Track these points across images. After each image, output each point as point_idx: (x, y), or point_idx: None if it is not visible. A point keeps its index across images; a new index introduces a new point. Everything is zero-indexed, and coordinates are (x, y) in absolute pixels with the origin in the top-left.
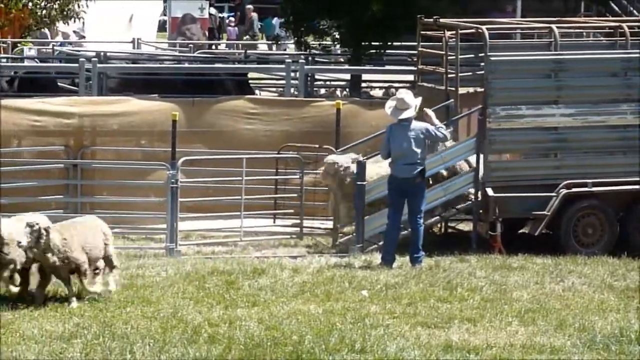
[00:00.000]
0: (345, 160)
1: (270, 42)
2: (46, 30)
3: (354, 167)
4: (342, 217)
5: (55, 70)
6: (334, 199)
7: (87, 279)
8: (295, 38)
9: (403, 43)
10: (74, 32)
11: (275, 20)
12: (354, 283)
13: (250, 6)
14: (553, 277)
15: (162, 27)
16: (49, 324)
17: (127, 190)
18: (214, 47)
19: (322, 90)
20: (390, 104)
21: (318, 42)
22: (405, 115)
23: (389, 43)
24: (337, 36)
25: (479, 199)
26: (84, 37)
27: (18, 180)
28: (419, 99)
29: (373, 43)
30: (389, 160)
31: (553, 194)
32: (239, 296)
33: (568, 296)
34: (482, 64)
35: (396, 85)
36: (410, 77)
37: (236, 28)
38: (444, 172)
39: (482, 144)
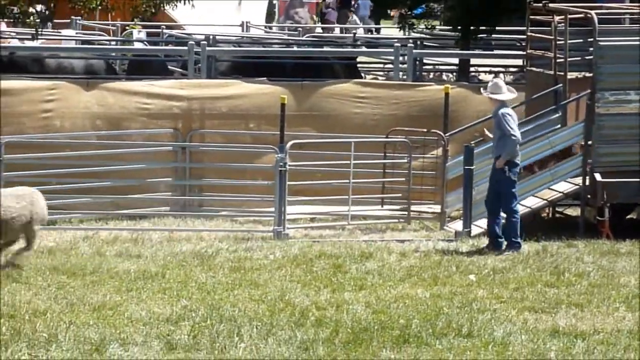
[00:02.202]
0: None
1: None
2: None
3: None
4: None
5: (164, 54)
6: None
7: None
8: (401, 21)
9: (512, 28)
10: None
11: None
12: (461, 267)
13: None
14: None
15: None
16: (157, 306)
17: (235, 173)
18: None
19: (431, 75)
20: (495, 89)
21: (424, 26)
22: (513, 95)
23: (497, 27)
24: (446, 19)
25: (587, 184)
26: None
27: (126, 163)
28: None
29: (482, 27)
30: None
31: None
32: (346, 280)
33: None
34: (591, 49)
35: (511, 70)
36: (519, 62)
37: (335, 12)
38: None
39: (590, 128)
